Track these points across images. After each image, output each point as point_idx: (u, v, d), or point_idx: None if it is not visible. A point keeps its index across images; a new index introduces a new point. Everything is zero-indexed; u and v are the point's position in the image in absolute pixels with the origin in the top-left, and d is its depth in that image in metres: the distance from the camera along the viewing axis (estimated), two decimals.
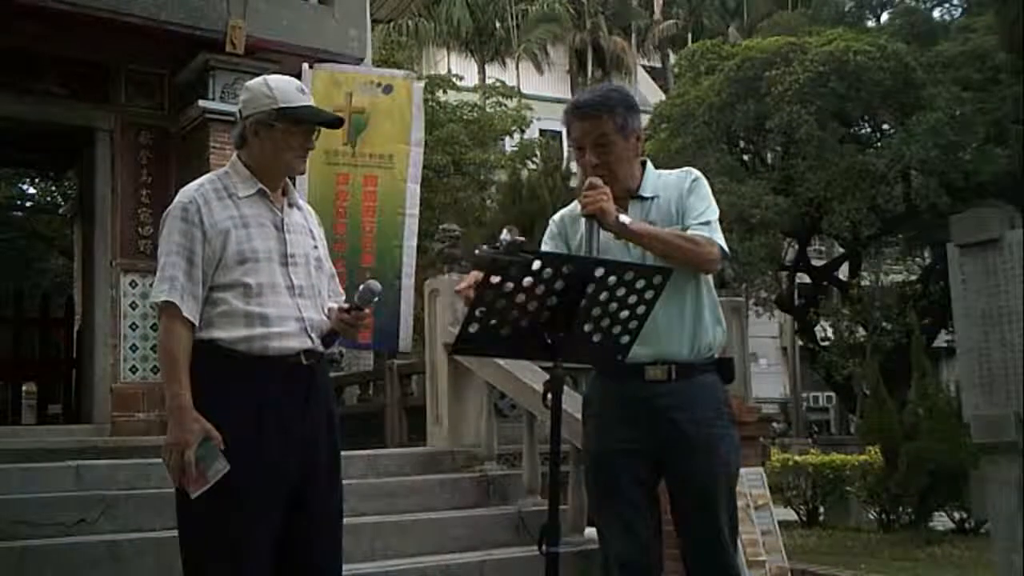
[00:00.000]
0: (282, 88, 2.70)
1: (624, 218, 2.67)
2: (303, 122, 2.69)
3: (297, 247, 2.70)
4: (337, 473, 2.72)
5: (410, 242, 7.14)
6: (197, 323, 2.57)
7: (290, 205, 2.77)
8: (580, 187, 2.74)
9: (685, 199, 2.83)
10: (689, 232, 2.76)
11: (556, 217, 3.03)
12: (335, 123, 2.87)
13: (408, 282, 7.11)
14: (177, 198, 2.67)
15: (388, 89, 7.18)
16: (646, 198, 2.84)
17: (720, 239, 2.79)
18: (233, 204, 2.65)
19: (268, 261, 2.63)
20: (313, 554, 2.63)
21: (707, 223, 2.79)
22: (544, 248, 2.96)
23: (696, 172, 2.92)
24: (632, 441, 2.75)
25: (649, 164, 2.93)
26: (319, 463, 2.64)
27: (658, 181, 2.89)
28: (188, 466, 2.45)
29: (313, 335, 2.65)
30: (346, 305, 2.72)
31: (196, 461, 2.46)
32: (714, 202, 2.86)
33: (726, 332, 2.92)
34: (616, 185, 2.74)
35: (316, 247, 2.78)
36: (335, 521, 2.70)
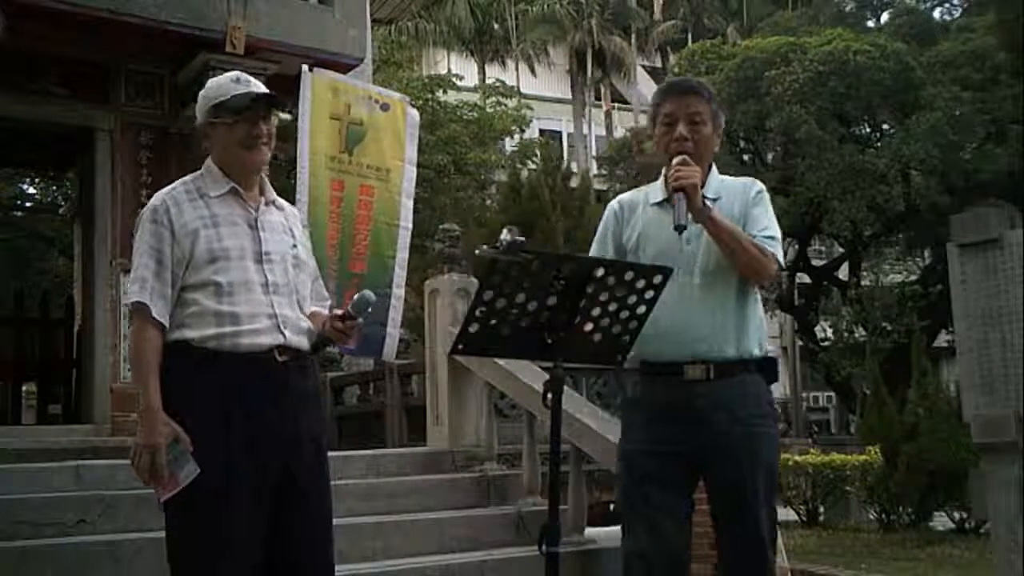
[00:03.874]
0: (215, 85, 2.71)
1: (710, 203, 2.68)
2: (237, 111, 2.65)
3: (273, 245, 2.68)
4: (323, 471, 2.69)
5: (402, 254, 7.17)
6: (167, 324, 2.57)
7: (267, 203, 2.75)
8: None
9: (750, 208, 2.83)
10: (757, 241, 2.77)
11: (615, 203, 3.01)
12: (269, 99, 2.71)
13: (399, 292, 7.12)
14: (150, 202, 2.68)
15: (385, 107, 7.19)
16: (708, 198, 2.81)
17: (780, 256, 2.82)
18: (204, 204, 2.65)
19: (240, 259, 2.62)
20: (302, 553, 2.60)
21: (772, 237, 2.80)
22: (598, 237, 2.97)
23: (760, 184, 2.93)
24: (669, 442, 2.73)
25: (714, 167, 2.92)
26: (302, 461, 2.60)
27: (721, 185, 2.89)
28: (160, 469, 2.46)
29: (287, 332, 2.62)
30: (339, 312, 2.71)
31: (167, 464, 2.45)
32: (775, 219, 2.86)
33: (766, 336, 2.91)
34: None
35: (295, 246, 2.76)
36: (324, 520, 2.67)
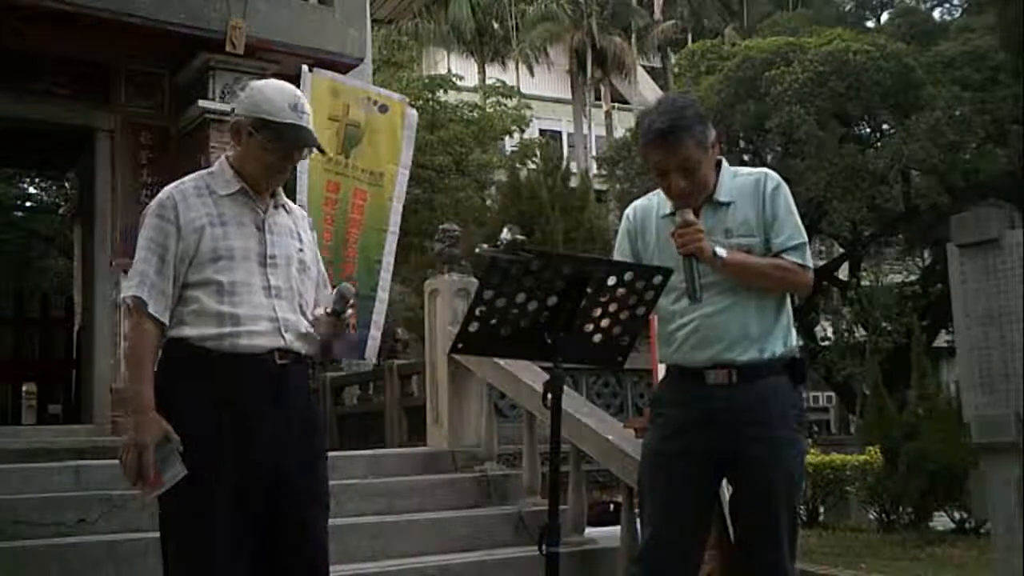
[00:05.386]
0: (273, 99, 2.63)
1: (720, 251, 2.65)
2: (282, 140, 2.62)
3: (278, 248, 2.66)
4: (315, 475, 2.67)
5: (388, 258, 7.19)
6: (166, 320, 2.55)
7: (276, 206, 2.72)
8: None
9: (767, 208, 2.76)
10: (783, 258, 2.74)
11: (629, 211, 2.98)
12: (315, 146, 2.73)
13: (383, 295, 7.14)
14: (158, 195, 2.65)
15: (384, 108, 7.19)
16: (722, 203, 2.78)
17: (810, 261, 2.78)
18: (212, 202, 2.62)
19: (244, 260, 2.60)
20: (293, 556, 2.59)
21: (797, 247, 2.75)
22: (617, 243, 2.97)
23: (776, 177, 2.83)
24: (692, 444, 2.72)
25: (724, 164, 2.85)
26: (293, 464, 2.58)
27: (734, 183, 2.81)
28: (146, 468, 2.44)
29: (288, 335, 2.61)
30: (327, 310, 2.70)
31: (154, 463, 2.44)
32: (797, 213, 2.80)
33: (796, 337, 2.87)
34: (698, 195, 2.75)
35: (301, 250, 2.73)
36: (315, 523, 2.65)
